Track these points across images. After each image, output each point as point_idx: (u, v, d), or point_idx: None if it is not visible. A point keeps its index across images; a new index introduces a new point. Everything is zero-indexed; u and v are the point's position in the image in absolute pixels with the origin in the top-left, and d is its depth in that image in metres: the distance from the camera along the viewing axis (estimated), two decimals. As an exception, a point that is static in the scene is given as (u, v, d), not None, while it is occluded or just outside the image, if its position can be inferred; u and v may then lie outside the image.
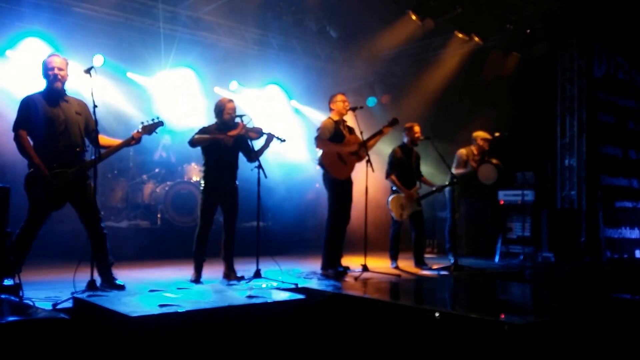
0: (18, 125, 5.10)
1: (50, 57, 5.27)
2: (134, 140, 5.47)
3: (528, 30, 9.79)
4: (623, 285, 6.70)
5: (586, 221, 9.57)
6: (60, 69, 5.20)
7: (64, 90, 5.31)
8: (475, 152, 8.72)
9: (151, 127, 5.53)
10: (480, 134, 8.77)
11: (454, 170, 8.33)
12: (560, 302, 5.32)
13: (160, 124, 5.58)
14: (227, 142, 6.18)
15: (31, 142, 5.17)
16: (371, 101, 11.99)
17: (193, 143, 6.25)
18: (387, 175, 7.92)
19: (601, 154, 10.10)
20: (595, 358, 4.00)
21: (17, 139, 5.08)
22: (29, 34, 8.78)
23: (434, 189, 8.17)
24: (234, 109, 6.35)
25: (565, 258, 8.52)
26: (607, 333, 4.17)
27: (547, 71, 10.24)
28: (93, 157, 5.24)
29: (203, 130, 6.31)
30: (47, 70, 5.20)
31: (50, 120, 5.13)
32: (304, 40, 11.17)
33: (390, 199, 7.89)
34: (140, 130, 5.49)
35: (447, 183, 8.17)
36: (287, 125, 11.17)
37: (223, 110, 6.33)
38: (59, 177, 5.10)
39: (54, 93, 5.23)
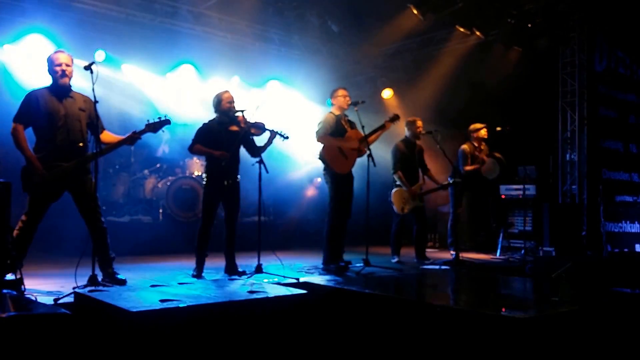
0: (16, 119, 5.18)
1: (56, 53, 5.31)
2: (135, 138, 5.47)
3: (529, 25, 9.78)
4: (623, 279, 6.70)
5: (587, 215, 9.56)
6: (67, 65, 5.27)
7: (70, 86, 5.35)
8: (477, 144, 8.79)
9: (156, 125, 5.50)
10: (471, 127, 8.85)
11: (463, 168, 8.42)
12: (561, 296, 5.32)
13: (167, 122, 5.55)
14: (224, 159, 6.16)
15: (34, 137, 5.23)
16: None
17: (193, 151, 6.34)
18: (395, 171, 7.92)
19: (602, 148, 10.10)
20: (595, 352, 4.01)
21: (13, 131, 5.16)
22: (31, 30, 8.81)
23: (438, 186, 8.20)
24: (231, 98, 6.36)
25: (566, 252, 8.52)
26: (607, 327, 4.18)
27: (548, 65, 10.22)
28: (93, 152, 5.27)
29: (204, 128, 6.32)
30: (54, 67, 5.25)
31: (50, 115, 5.18)
32: (305, 35, 11.15)
33: (392, 192, 7.90)
34: (143, 128, 5.49)
35: (451, 182, 8.18)
36: (288, 121, 11.17)
37: (221, 101, 6.35)
38: (53, 170, 5.13)
39: (60, 89, 5.28)
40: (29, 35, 8.82)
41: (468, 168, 8.59)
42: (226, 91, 6.45)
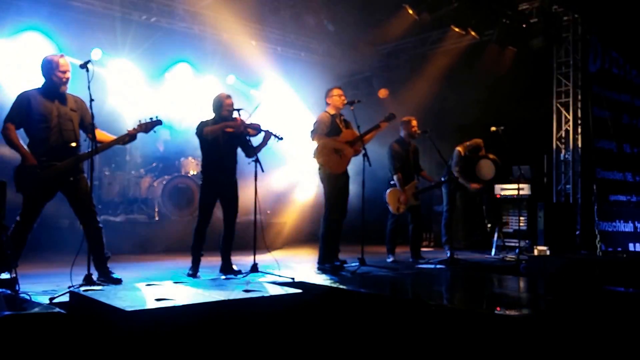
0: (7, 119, 5.17)
1: (59, 58, 5.29)
2: (128, 137, 5.48)
3: (524, 25, 9.81)
4: (617, 278, 6.73)
5: (581, 215, 9.61)
6: (69, 72, 5.28)
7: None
8: (472, 149, 8.78)
9: (148, 126, 5.52)
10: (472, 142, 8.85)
11: (454, 169, 8.42)
12: (555, 295, 5.35)
13: (159, 122, 5.57)
14: (236, 129, 6.17)
15: (27, 139, 5.23)
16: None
17: (206, 134, 6.18)
18: (395, 172, 7.90)
19: (596, 148, 10.13)
20: (588, 351, 4.03)
21: (4, 131, 5.15)
22: (28, 28, 8.80)
23: (432, 184, 8.21)
24: (232, 105, 6.35)
25: (560, 251, 8.56)
26: (600, 326, 4.20)
27: (542, 66, 10.26)
28: (87, 151, 5.27)
29: (203, 126, 6.30)
30: (55, 72, 5.23)
31: (43, 116, 5.18)
32: (301, 34, 11.16)
33: (387, 192, 7.91)
34: (135, 127, 5.50)
35: (444, 179, 8.20)
36: (284, 119, 11.18)
37: (222, 106, 6.32)
38: (47, 169, 5.14)
39: (54, 92, 5.27)
40: (26, 34, 8.82)
41: (458, 172, 8.54)
42: (229, 96, 6.40)
